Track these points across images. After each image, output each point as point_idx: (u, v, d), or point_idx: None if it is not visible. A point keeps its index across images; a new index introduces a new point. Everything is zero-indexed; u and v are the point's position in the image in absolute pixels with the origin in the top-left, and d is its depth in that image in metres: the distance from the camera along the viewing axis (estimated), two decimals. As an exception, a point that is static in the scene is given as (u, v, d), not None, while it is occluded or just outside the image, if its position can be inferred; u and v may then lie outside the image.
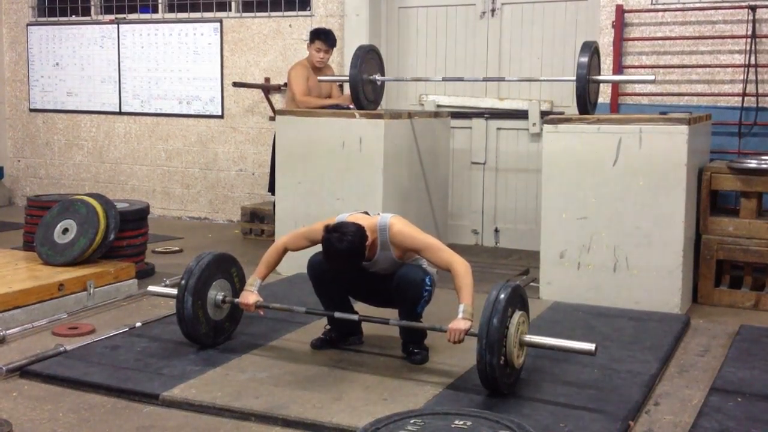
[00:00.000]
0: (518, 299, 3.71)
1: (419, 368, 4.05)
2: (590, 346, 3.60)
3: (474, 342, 3.57)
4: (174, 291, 4.33)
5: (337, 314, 4.16)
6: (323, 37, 6.60)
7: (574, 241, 5.29)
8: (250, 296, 4.21)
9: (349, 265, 3.95)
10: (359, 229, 3.89)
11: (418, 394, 3.70)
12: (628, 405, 3.57)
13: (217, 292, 4.31)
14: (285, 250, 4.26)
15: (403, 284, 4.01)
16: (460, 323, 3.73)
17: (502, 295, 3.58)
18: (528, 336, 3.72)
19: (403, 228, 4.02)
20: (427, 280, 4.02)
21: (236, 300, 4.29)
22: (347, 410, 3.52)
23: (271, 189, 6.81)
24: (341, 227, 3.89)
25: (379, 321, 4.12)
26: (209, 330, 4.29)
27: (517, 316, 3.64)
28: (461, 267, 3.84)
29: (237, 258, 4.55)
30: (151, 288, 4.71)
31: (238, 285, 4.42)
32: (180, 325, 4.25)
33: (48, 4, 9.34)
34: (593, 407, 3.54)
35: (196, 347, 4.28)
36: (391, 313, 4.22)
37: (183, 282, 4.21)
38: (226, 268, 4.41)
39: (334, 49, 6.88)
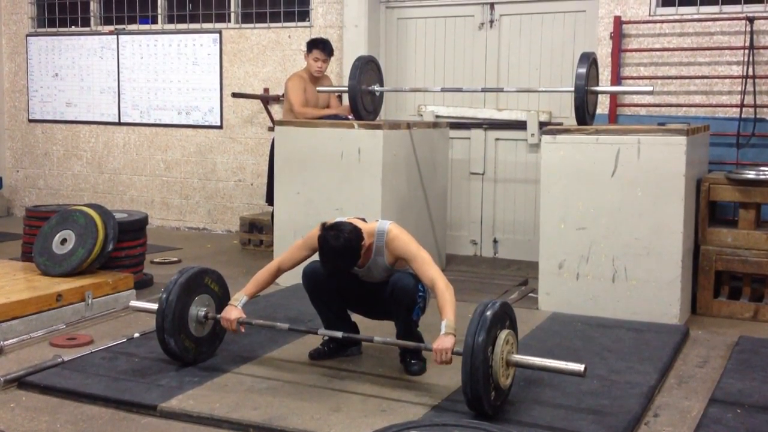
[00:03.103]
0: (505, 317, 3.61)
1: (418, 379, 4.04)
2: (579, 367, 3.47)
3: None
4: (152, 306, 4.22)
5: (320, 331, 4.12)
6: (321, 46, 6.62)
7: (573, 251, 5.29)
8: (232, 311, 4.10)
9: (344, 265, 3.93)
10: (356, 229, 3.90)
11: (417, 405, 3.69)
12: (627, 416, 3.56)
13: (198, 309, 4.20)
14: (278, 271, 4.21)
15: (397, 291, 4.01)
16: (445, 341, 3.64)
17: (488, 313, 3.48)
18: (515, 356, 3.59)
19: (400, 234, 4.02)
20: (419, 286, 4.02)
21: (219, 316, 4.19)
22: (345, 421, 3.51)
23: (269, 199, 6.81)
24: (338, 225, 3.90)
25: (364, 339, 4.11)
26: (196, 350, 4.22)
27: (504, 334, 3.53)
28: (444, 285, 3.83)
29: (235, 268, 4.54)
30: (132, 303, 4.61)
31: (216, 289, 4.31)
32: (168, 356, 4.17)
33: (48, 15, 9.36)
34: (592, 418, 3.53)
35: (194, 358, 4.27)
36: (389, 326, 4.23)
37: (159, 320, 4.07)
38: (200, 283, 4.25)
39: (333, 59, 6.89)
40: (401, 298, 4.00)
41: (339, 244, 3.83)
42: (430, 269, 3.91)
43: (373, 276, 4.12)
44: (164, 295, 4.11)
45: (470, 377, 3.40)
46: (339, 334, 4.05)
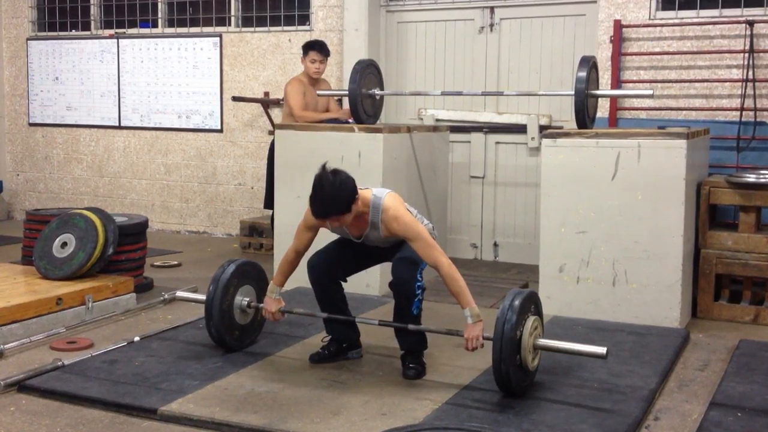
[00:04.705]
0: (532, 305, 3.88)
1: (419, 383, 4.04)
2: (601, 350, 3.78)
3: (474, 354, 3.58)
4: (200, 296, 4.53)
5: (358, 319, 4.27)
6: (317, 47, 6.62)
7: (573, 255, 5.29)
8: (273, 303, 4.31)
9: (332, 209, 3.82)
10: (351, 180, 3.86)
11: (417, 408, 3.69)
12: (628, 420, 3.56)
13: (242, 298, 4.45)
14: (297, 256, 4.28)
15: (396, 281, 4.06)
16: (474, 329, 3.82)
17: (517, 302, 3.73)
18: (541, 340, 3.87)
19: (397, 213, 3.96)
20: (418, 275, 4.04)
21: (260, 305, 4.42)
22: (346, 425, 3.51)
23: (268, 204, 6.81)
24: (337, 170, 3.86)
25: (396, 326, 4.15)
26: (236, 333, 4.44)
27: (531, 320, 3.79)
28: (450, 269, 3.87)
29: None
30: (179, 293, 4.95)
31: (262, 292, 4.53)
32: (208, 328, 4.38)
33: (48, 19, 9.38)
34: (593, 422, 3.53)
35: (193, 362, 4.28)
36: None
37: (211, 288, 4.34)
38: (252, 275, 4.54)
39: (334, 63, 6.88)
40: (399, 289, 4.07)
41: (333, 188, 3.78)
42: (432, 251, 3.91)
43: (372, 242, 4.17)
44: (220, 269, 4.41)
45: (500, 360, 3.64)
46: (375, 321, 4.21)
